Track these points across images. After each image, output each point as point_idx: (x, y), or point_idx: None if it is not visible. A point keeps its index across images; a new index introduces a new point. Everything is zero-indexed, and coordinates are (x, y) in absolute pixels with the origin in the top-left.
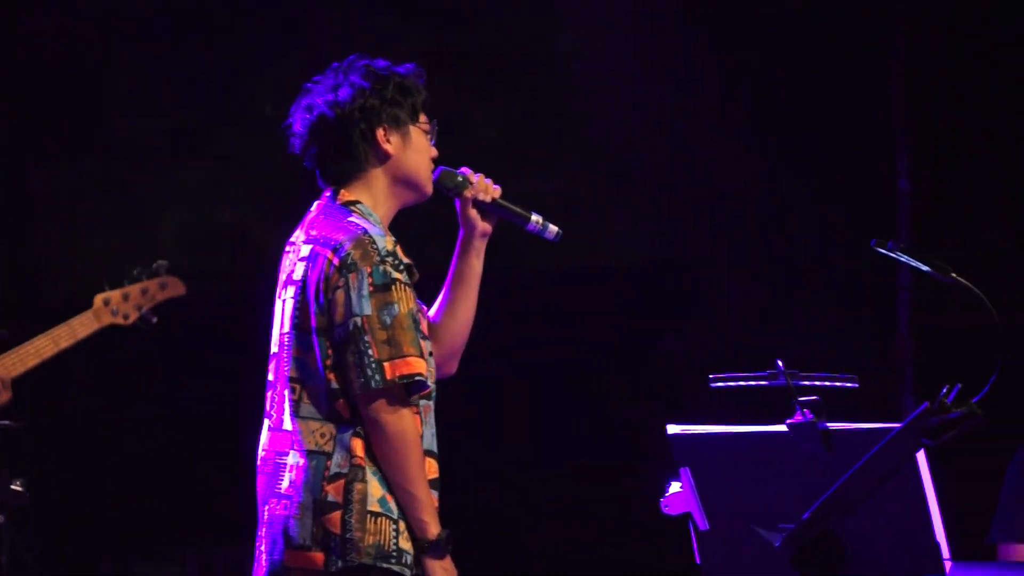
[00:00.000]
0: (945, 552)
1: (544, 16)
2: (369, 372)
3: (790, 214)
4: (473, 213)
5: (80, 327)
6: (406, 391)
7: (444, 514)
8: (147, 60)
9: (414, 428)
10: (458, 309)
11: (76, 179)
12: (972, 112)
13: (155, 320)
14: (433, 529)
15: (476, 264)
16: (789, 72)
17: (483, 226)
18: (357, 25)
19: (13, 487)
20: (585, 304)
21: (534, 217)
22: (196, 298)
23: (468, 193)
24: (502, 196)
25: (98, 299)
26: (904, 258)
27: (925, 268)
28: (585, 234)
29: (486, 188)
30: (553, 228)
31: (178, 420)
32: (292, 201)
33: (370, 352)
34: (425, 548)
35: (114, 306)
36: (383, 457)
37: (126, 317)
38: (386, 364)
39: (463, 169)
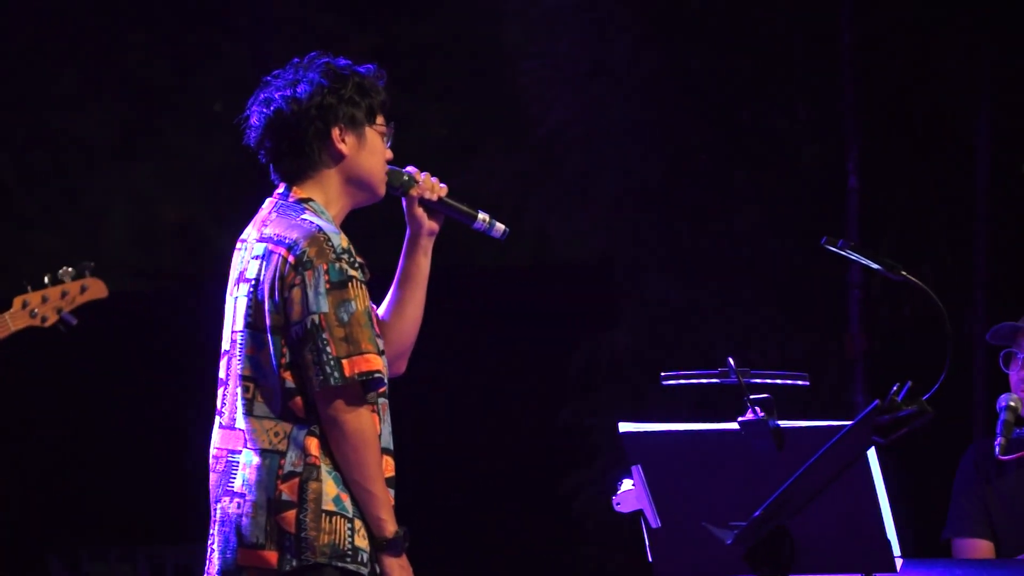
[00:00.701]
0: (896, 549)
1: (492, 14)
2: (328, 369)
3: (741, 212)
4: (420, 212)
5: None
6: (364, 388)
7: (395, 512)
8: (91, 56)
9: (372, 426)
10: (406, 308)
11: (19, 175)
12: (921, 110)
13: (75, 322)
14: (391, 527)
15: (423, 263)
16: (738, 70)
17: (430, 225)
18: (304, 21)
19: None
20: (533, 301)
21: (481, 215)
22: (143, 295)
23: (414, 192)
24: (449, 194)
25: (17, 301)
26: (854, 256)
27: (875, 266)
28: (533, 232)
29: (432, 187)
30: (500, 226)
31: (127, 418)
32: (239, 198)
33: (328, 350)
34: (383, 546)
35: (32, 308)
36: (341, 455)
37: (44, 320)
38: (344, 361)
39: (409, 168)
